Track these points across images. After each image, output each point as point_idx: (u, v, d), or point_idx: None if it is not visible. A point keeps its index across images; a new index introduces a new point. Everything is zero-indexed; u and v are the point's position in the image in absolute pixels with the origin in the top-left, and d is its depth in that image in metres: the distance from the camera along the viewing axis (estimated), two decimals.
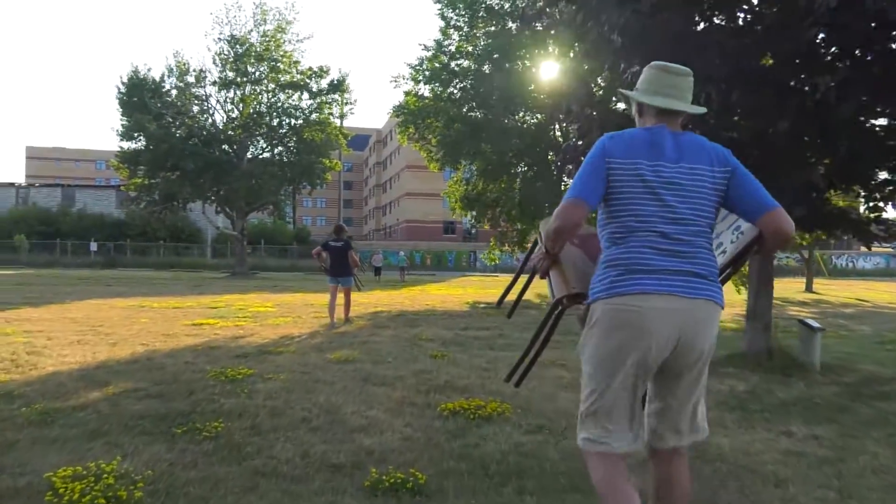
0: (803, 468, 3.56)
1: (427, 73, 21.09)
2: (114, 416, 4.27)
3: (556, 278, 2.29)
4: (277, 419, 4.31)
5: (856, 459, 3.73)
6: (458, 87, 20.92)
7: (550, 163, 20.53)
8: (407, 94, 21.56)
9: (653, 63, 2.29)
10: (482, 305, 15.46)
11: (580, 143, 7.49)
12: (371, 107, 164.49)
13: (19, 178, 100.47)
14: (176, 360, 6.59)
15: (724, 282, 2.27)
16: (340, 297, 10.48)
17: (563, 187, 20.80)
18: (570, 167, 7.94)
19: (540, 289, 3.21)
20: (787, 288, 27.65)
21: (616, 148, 2.13)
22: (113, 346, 7.45)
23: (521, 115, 19.53)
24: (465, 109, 19.94)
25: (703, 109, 2.39)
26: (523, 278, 2.74)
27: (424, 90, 21.44)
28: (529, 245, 3.15)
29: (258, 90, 32.48)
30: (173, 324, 9.98)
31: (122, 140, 31.11)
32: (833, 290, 27.45)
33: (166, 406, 4.59)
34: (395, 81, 21.92)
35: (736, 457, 3.73)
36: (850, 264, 59.64)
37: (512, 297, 2.87)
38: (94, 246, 47.05)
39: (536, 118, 20.35)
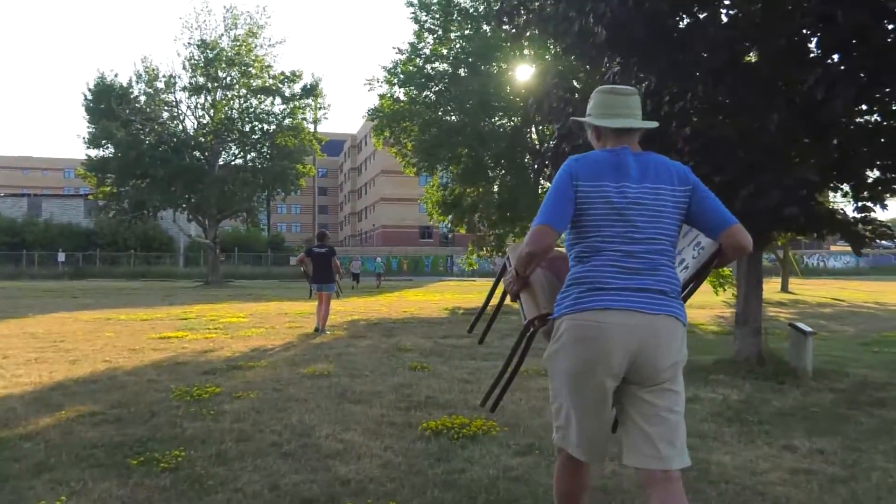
0: (815, 489, 3.30)
1: (402, 76, 20.77)
2: (64, 447, 3.89)
3: (527, 300, 2.33)
4: (245, 445, 3.96)
5: (867, 477, 3.49)
6: (433, 90, 20.64)
7: (527, 166, 20.36)
8: (381, 97, 21.21)
9: (599, 88, 2.38)
10: (461, 311, 15.17)
11: (562, 145, 7.23)
12: (345, 112, 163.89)
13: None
14: (139, 377, 6.19)
15: (686, 297, 2.30)
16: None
17: (540, 191, 20.62)
18: (549, 171, 7.68)
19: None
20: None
21: (582, 171, 2.17)
22: (72, 364, 7.01)
23: (497, 118, 19.28)
24: (440, 113, 19.64)
25: (654, 124, 2.44)
26: (495, 300, 2.79)
27: (399, 93, 21.13)
28: (498, 266, 3.08)
29: (229, 95, 31.92)
30: (139, 337, 9.53)
31: (88, 147, 30.35)
32: (808, 290, 27.65)
33: (123, 432, 4.21)
34: (370, 84, 21.56)
35: (742, 477, 3.47)
36: (822, 263, 60.54)
37: (485, 318, 2.89)
38: (61, 256, 45.85)
39: (513, 121, 20.14)
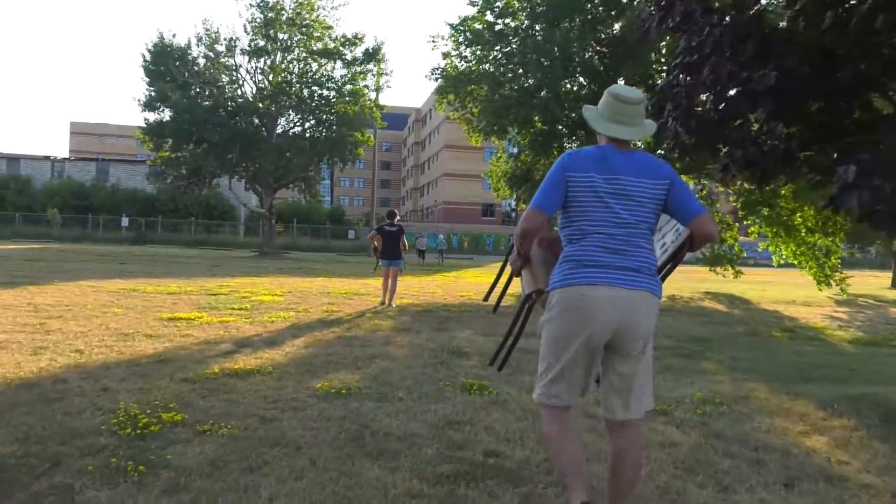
0: None
1: (469, 34, 18.66)
2: None
3: (527, 276, 2.64)
4: None
5: None
6: (504, 50, 18.47)
7: None
8: (446, 55, 19.19)
9: (609, 90, 2.60)
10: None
11: (683, 77, 5.17)
12: (410, 85, 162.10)
13: (63, 153, 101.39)
14: (94, 384, 4.53)
15: (665, 276, 2.62)
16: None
17: None
18: (670, 114, 5.58)
19: None
20: (868, 283, 24.67)
21: (573, 164, 2.50)
22: (32, 355, 5.45)
23: (578, 80, 16.93)
24: (512, 73, 17.44)
25: (650, 132, 2.63)
26: (507, 274, 2.90)
27: (466, 53, 19.04)
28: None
29: (289, 58, 30.49)
30: (146, 317, 8.01)
31: (144, 110, 29.57)
32: None
33: None
34: (433, 42, 19.64)
35: None
36: None
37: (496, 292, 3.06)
38: (125, 221, 46.17)
39: (592, 88, 17.80)
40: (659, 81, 18.14)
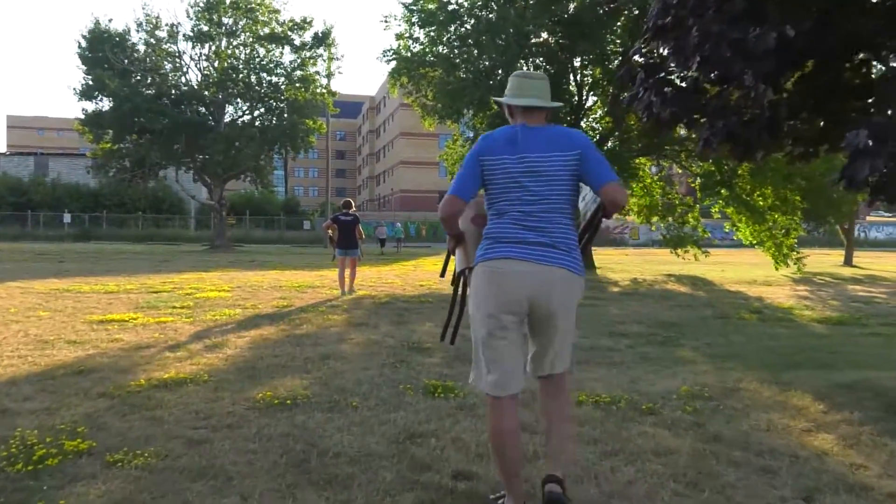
0: None
1: (422, 14, 17.99)
2: None
3: (460, 254, 2.76)
4: None
5: None
6: (458, 31, 17.86)
7: (564, 119, 17.64)
8: (399, 36, 18.48)
9: (515, 73, 2.73)
10: None
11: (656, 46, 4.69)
12: (363, 73, 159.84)
13: (0, 148, 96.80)
14: None
15: (587, 243, 2.71)
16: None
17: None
18: (644, 96, 5.10)
19: None
20: (821, 262, 25.02)
21: (486, 148, 2.57)
22: None
23: (533, 61, 16.43)
24: (466, 56, 16.85)
25: (559, 105, 2.91)
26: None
27: (420, 34, 18.37)
28: None
29: (234, 43, 29.27)
30: (73, 321, 7.25)
31: (81, 100, 27.94)
32: (873, 264, 24.81)
33: None
34: (385, 22, 18.87)
35: None
36: (863, 234, 56.63)
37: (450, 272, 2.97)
38: (67, 217, 44.12)
39: (551, 69, 17.37)
40: (616, 61, 17.88)
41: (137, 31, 30.16)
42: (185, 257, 23.10)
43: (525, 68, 16.36)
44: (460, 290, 2.78)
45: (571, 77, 18.21)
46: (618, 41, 16.85)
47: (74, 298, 9.64)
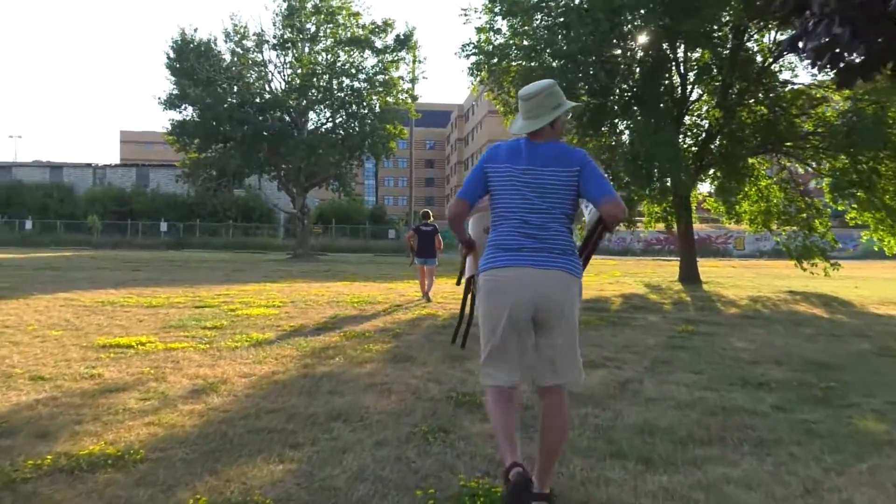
0: None
1: (505, 4, 16.36)
2: None
3: (470, 261, 3.14)
4: None
5: None
6: (545, 21, 16.13)
7: (668, 109, 15.51)
8: (479, 30, 16.95)
9: (518, 95, 2.87)
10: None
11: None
12: (452, 82, 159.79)
13: (115, 162, 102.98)
14: None
15: (587, 255, 2.85)
16: None
17: (683, 146, 15.80)
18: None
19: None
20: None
21: (492, 157, 2.77)
22: None
23: (631, 43, 14.38)
24: (551, 42, 15.01)
25: (544, 123, 2.72)
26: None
27: (502, 25, 16.75)
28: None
29: (316, 49, 28.72)
30: (79, 343, 6.14)
31: (165, 109, 28.17)
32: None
33: None
34: (465, 15, 17.35)
35: None
36: None
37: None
38: (164, 226, 45.48)
39: (649, 56, 15.32)
40: (729, 46, 15.55)
41: (225, 41, 30.20)
42: (263, 266, 22.52)
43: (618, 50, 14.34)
44: (469, 297, 3.00)
45: (673, 66, 16.03)
46: (730, 22, 14.61)
47: (108, 314, 8.67)
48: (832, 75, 3.64)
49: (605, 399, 4.41)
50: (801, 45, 3.43)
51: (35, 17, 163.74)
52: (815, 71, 13.83)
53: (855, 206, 14.73)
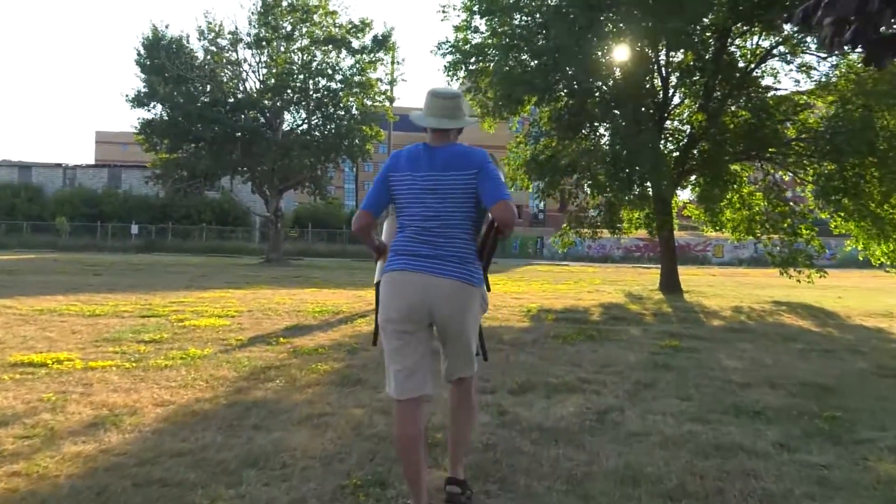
0: None
1: (484, 2, 15.76)
2: None
3: (380, 265, 2.83)
4: None
5: None
6: (523, 20, 15.55)
7: (648, 114, 15.01)
8: (457, 28, 16.33)
9: (429, 90, 2.78)
10: (553, 316, 10.27)
11: None
12: (432, 86, 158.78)
13: (90, 162, 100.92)
14: None
15: (488, 259, 2.79)
16: None
17: (665, 150, 15.31)
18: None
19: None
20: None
21: (394, 165, 2.76)
22: None
23: (611, 41, 13.81)
24: (528, 40, 14.39)
25: (465, 124, 2.78)
26: None
27: (480, 24, 16.13)
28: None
29: (291, 48, 27.94)
30: None
31: (133, 107, 27.20)
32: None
33: None
34: (444, 13, 16.70)
35: None
36: None
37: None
38: (135, 229, 44.17)
39: (630, 57, 14.81)
40: (711, 48, 15.10)
41: (199, 39, 29.28)
42: (231, 271, 21.68)
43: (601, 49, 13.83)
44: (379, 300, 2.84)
45: (655, 68, 15.54)
46: (715, 23, 14.14)
47: (41, 324, 7.90)
48: (855, 53, 3.13)
49: (580, 435, 3.77)
50: (817, 15, 2.84)
51: (14, 15, 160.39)
52: (823, 54, 13.39)
53: (841, 213, 14.30)
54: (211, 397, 4.39)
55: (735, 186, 16.07)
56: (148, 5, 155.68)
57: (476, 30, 16.13)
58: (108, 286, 14.04)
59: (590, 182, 14.36)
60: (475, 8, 15.94)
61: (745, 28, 15.11)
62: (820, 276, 14.73)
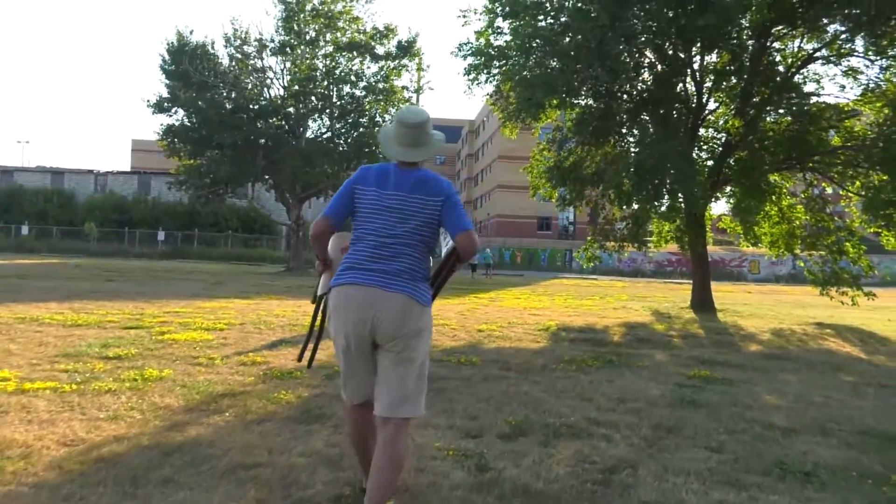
0: None
1: (507, 5, 15.01)
2: None
3: (325, 279, 2.89)
4: None
5: None
6: (547, 21, 14.76)
7: (679, 119, 14.05)
8: (479, 33, 15.59)
9: (396, 115, 2.89)
10: (572, 336, 9.38)
11: None
12: (464, 98, 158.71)
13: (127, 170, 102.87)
14: None
15: (441, 283, 2.87)
16: None
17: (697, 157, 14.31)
18: None
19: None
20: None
21: (361, 178, 2.78)
22: None
23: (640, 42, 12.88)
24: (550, 41, 13.56)
25: (429, 155, 2.82)
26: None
27: (503, 27, 15.37)
28: None
29: (314, 54, 27.54)
30: None
31: (155, 113, 27.01)
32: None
33: None
34: (464, 17, 16.01)
35: None
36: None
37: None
38: (161, 235, 44.36)
39: (659, 66, 13.88)
40: (749, 48, 14.09)
41: (226, 45, 29.09)
42: (248, 280, 21.21)
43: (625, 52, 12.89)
44: (319, 314, 2.94)
45: (688, 71, 14.57)
46: (752, 23, 13.16)
47: (11, 334, 7.34)
48: None
49: None
50: None
51: (57, 26, 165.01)
52: (872, 57, 12.28)
53: (893, 230, 13.13)
54: (134, 435, 3.65)
55: (774, 198, 14.99)
56: (186, 14, 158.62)
57: (499, 30, 15.37)
58: (112, 294, 13.56)
59: (613, 191, 13.41)
60: (497, 10, 15.22)
61: (784, 31, 14.10)
62: (869, 299, 13.53)
